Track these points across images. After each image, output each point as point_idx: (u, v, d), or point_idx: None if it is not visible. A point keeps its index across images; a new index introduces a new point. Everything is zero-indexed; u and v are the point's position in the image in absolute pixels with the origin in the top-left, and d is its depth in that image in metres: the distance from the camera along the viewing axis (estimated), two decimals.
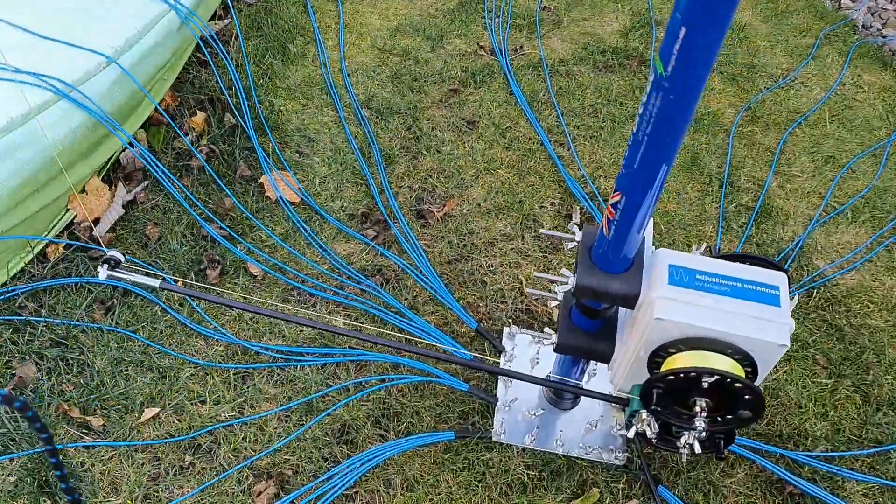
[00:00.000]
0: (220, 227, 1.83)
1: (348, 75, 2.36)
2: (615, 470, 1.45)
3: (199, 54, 2.25)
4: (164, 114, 1.98)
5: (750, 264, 1.11)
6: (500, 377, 1.58)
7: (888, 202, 2.03)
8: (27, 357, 1.55)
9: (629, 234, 1.04)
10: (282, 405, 1.52)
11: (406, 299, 1.74)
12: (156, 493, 1.39)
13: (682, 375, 1.03)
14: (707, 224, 1.95)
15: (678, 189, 2.05)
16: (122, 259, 1.28)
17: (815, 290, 1.79)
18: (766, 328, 1.02)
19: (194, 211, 1.85)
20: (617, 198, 1.01)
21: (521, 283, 1.80)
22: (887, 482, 1.45)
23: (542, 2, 2.74)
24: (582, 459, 1.46)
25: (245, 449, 1.46)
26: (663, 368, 1.09)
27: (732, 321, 1.03)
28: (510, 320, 1.71)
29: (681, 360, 1.06)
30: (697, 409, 1.06)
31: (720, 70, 2.49)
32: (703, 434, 1.10)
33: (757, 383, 1.07)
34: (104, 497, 1.38)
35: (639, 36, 2.61)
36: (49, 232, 1.72)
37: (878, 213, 2.00)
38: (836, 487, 1.44)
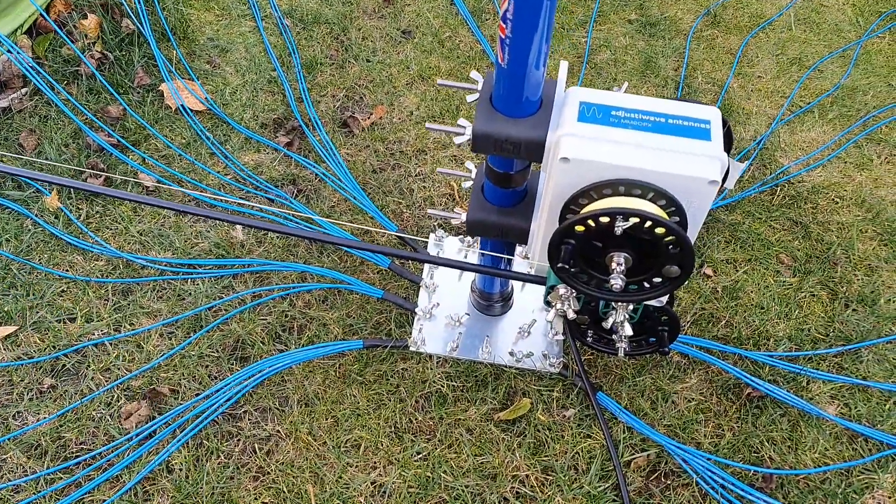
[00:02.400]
0: (109, 136, 1.61)
1: None
2: (549, 379, 1.26)
3: None
4: (45, 15, 1.75)
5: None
6: (422, 285, 1.38)
7: (857, 100, 1.85)
8: None
9: (527, 62, 0.84)
10: (166, 320, 1.31)
11: (321, 210, 1.53)
12: (4, 421, 1.17)
13: (592, 222, 0.84)
14: None
15: (631, 92, 1.85)
16: None
17: (779, 188, 1.61)
18: (692, 162, 0.83)
19: (79, 119, 1.63)
20: (505, 4, 0.80)
21: (454, 189, 1.60)
22: (857, 381, 1.27)
23: None
24: (511, 368, 1.27)
25: (118, 369, 1.25)
26: None
27: (653, 157, 0.84)
28: (437, 226, 1.51)
29: (594, 207, 0.87)
30: (614, 264, 0.87)
31: None
32: (622, 299, 0.91)
33: (691, 236, 0.88)
34: None
35: None
36: None
37: (847, 111, 1.82)
38: (799, 389, 1.26)
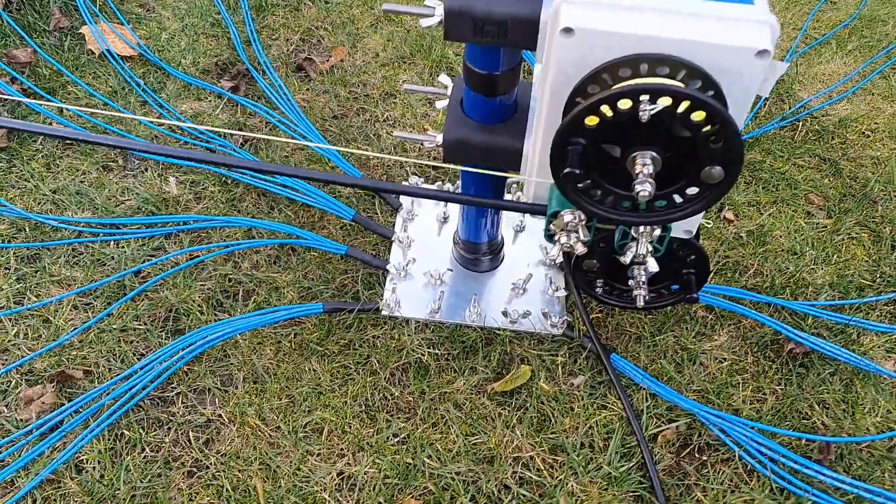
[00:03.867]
0: (19, 83, 1.36)
1: None
2: (551, 342, 1.04)
3: None
4: None
5: None
6: (394, 241, 1.15)
7: (878, 31, 1.66)
8: None
9: None
10: (80, 288, 1.07)
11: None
12: None
13: (608, 109, 0.62)
14: None
15: None
16: None
17: (801, 123, 1.41)
18: (736, 29, 0.62)
19: None
20: None
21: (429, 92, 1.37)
22: None
23: None
24: (505, 331, 1.04)
25: (18, 349, 1.00)
26: None
27: (683, 23, 0.62)
28: (410, 173, 1.29)
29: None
30: (639, 166, 0.65)
31: None
32: (650, 220, 0.70)
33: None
34: None
35: None
36: None
37: (868, 41, 1.63)
38: (850, 342, 1.06)
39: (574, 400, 0.98)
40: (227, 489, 0.88)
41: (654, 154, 0.66)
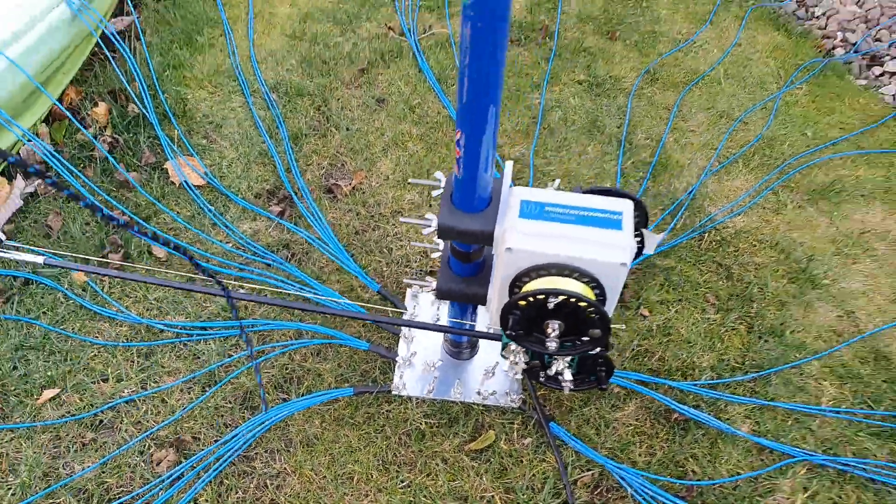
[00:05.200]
0: (123, 213, 1.85)
1: (257, 62, 2.39)
2: (511, 413, 1.51)
3: (104, 50, 2.26)
4: (59, 105, 1.99)
5: (613, 196, 1.18)
6: (401, 336, 1.62)
7: (776, 149, 2.12)
8: None
9: (477, 172, 1.09)
10: (184, 377, 1.54)
11: (311, 271, 1.77)
12: (55, 471, 1.40)
13: (530, 299, 1.09)
14: (606, 180, 2.02)
15: (580, 150, 2.12)
16: (2, 237, 1.29)
17: (707, 234, 1.87)
18: (607, 250, 1.09)
19: (96, 199, 1.86)
20: (458, 135, 1.06)
21: (426, 248, 1.84)
22: (765, 402, 1.52)
23: None
24: (478, 405, 1.51)
25: (147, 421, 1.48)
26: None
27: (576, 246, 1.09)
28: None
29: (532, 287, 1.12)
30: (549, 330, 1.12)
31: (623, 38, 2.58)
32: (559, 354, 1.16)
33: (610, 305, 1.13)
34: (1, 478, 1.38)
35: (545, 10, 2.68)
36: None
37: (767, 159, 2.09)
38: (718, 411, 1.52)
39: (524, 455, 1.44)
40: None
41: (560, 322, 1.13)
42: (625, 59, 2.48)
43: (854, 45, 2.56)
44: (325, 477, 1.40)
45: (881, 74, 2.46)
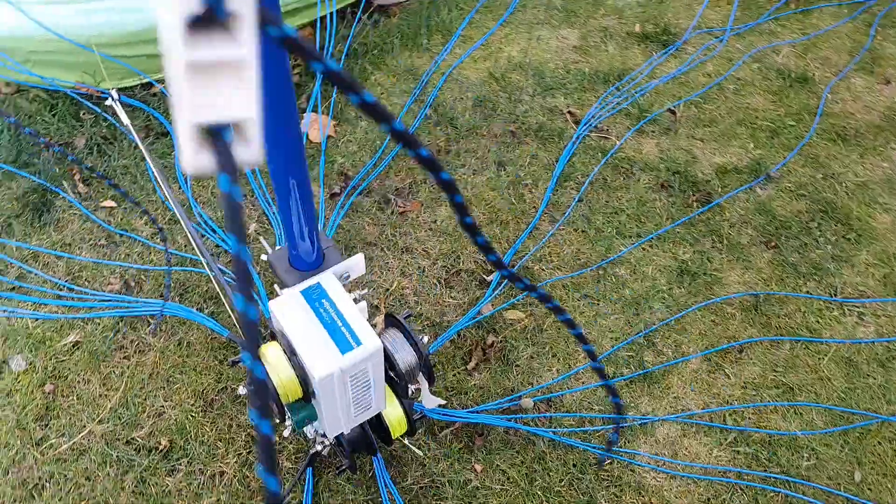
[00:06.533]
0: None
1: (445, 80, 2.67)
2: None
3: None
4: None
5: (400, 328, 1.26)
6: None
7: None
8: None
9: (293, 239, 1.24)
10: None
11: None
12: None
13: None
14: None
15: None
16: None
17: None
18: (317, 358, 1.17)
19: None
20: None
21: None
22: None
23: (673, 105, 2.69)
24: None
25: None
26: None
27: (304, 338, 1.19)
28: None
29: (267, 352, 1.25)
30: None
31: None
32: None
33: (320, 402, 1.21)
34: None
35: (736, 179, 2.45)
36: None
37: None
38: None
39: None
40: None
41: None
42: None
43: None
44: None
45: None
